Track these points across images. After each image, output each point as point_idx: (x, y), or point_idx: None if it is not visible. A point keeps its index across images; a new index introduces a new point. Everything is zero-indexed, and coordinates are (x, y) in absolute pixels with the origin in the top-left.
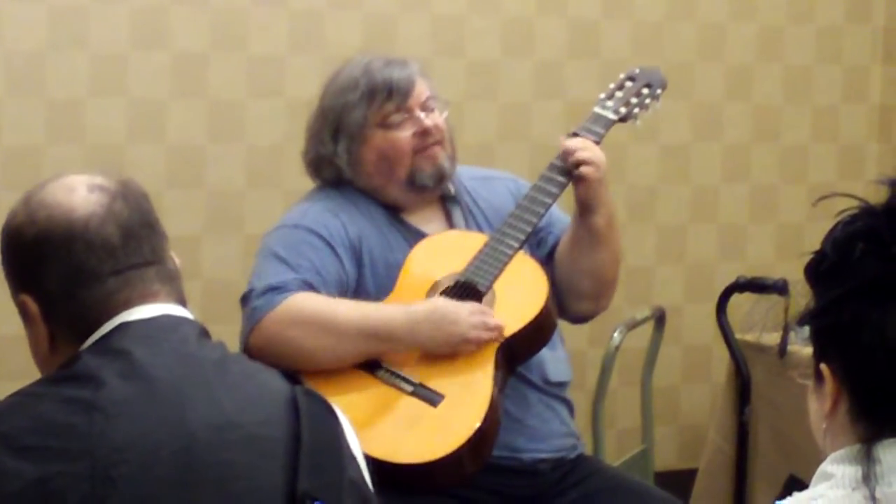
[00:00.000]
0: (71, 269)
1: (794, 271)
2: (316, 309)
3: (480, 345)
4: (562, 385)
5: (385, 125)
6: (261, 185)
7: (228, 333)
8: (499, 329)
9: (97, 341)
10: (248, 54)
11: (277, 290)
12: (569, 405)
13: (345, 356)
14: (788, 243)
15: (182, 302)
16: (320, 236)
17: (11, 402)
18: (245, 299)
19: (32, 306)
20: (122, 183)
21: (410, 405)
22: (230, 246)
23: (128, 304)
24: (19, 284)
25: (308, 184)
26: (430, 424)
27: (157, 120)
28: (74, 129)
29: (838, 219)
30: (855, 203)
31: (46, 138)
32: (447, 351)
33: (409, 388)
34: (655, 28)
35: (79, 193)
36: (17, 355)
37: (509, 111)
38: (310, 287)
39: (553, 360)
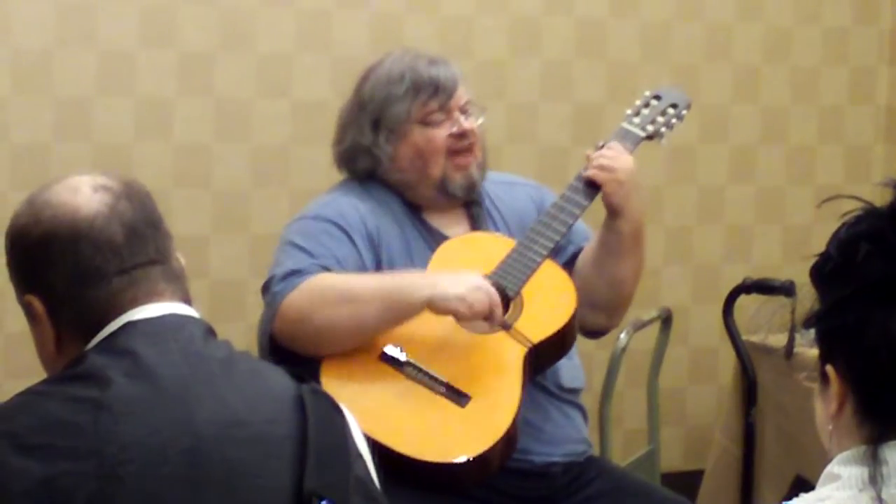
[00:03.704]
0: (76, 269)
1: (800, 273)
2: (333, 282)
3: (479, 311)
4: (575, 391)
5: (425, 122)
6: (267, 184)
7: (235, 332)
8: (501, 323)
9: (103, 340)
10: (256, 54)
11: (296, 273)
12: (583, 412)
13: (366, 321)
14: (795, 244)
15: (188, 301)
16: (339, 226)
17: (18, 401)
18: (266, 287)
19: (38, 306)
20: (126, 183)
21: (437, 404)
22: (237, 245)
23: (133, 303)
24: (25, 285)
25: (315, 183)
26: (457, 424)
27: (164, 118)
28: (82, 127)
29: (842, 220)
30: (859, 204)
31: (54, 136)
32: (454, 306)
33: (437, 387)
34: (663, 28)
35: (83, 193)
36: (23, 353)
37: (517, 111)
38: (327, 271)
39: (568, 367)
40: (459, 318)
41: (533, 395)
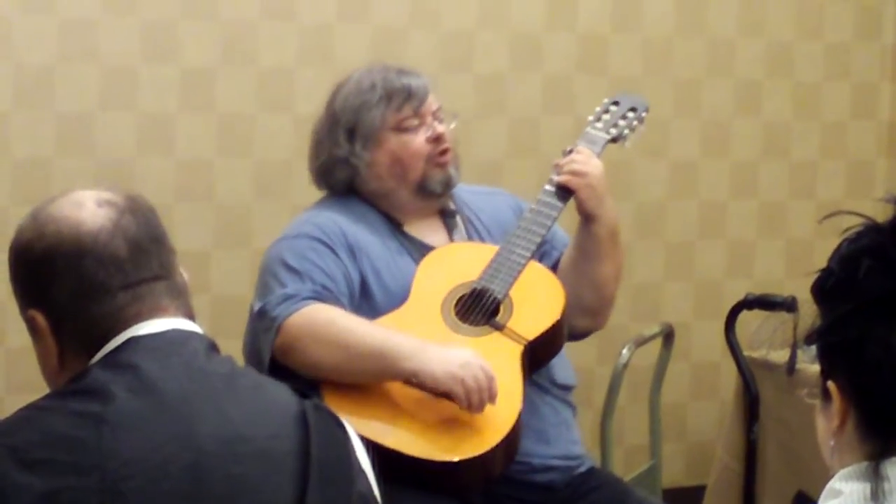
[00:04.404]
0: (80, 284)
1: (802, 288)
2: (331, 321)
3: (472, 388)
4: (568, 388)
5: (400, 129)
6: (269, 198)
7: (237, 348)
8: (492, 398)
9: (106, 356)
10: (257, 68)
11: (293, 298)
12: (573, 410)
13: (351, 373)
14: (797, 260)
15: (191, 316)
16: (321, 241)
17: (21, 416)
18: (261, 313)
19: (41, 321)
20: (129, 198)
21: (439, 404)
22: (239, 260)
23: (137, 319)
24: (28, 300)
25: (317, 197)
26: (462, 423)
27: (166, 133)
28: (84, 142)
29: (844, 236)
30: (861, 220)
31: (56, 151)
32: (444, 382)
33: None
34: (664, 43)
35: (87, 208)
36: (26, 368)
37: (518, 126)
38: (325, 290)
39: (560, 363)
40: (454, 398)
41: (528, 394)
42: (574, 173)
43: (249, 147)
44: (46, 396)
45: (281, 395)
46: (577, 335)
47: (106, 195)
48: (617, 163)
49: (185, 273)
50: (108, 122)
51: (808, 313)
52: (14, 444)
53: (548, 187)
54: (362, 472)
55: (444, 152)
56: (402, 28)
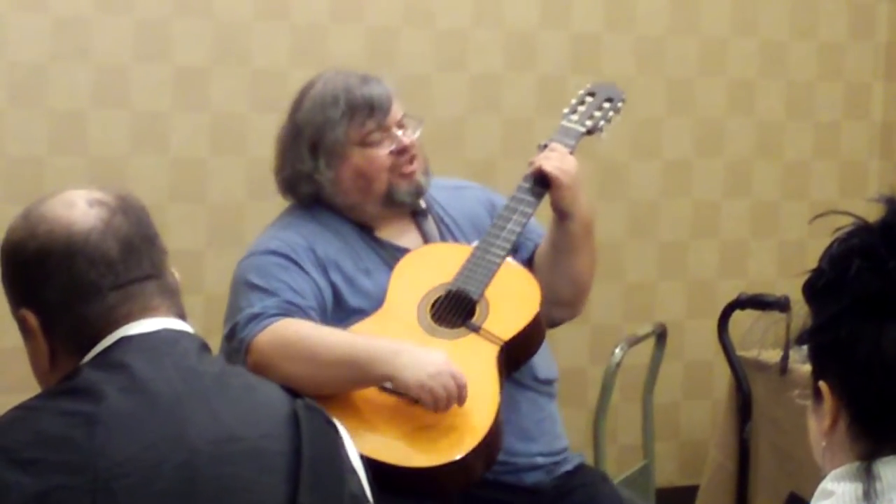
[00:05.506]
0: (72, 284)
1: (795, 288)
2: (299, 335)
3: (440, 399)
4: (550, 382)
5: (364, 143)
6: (263, 198)
7: None
8: (461, 404)
9: (97, 355)
10: (251, 68)
11: (260, 316)
12: (555, 402)
13: (325, 385)
14: (790, 260)
15: (182, 316)
16: (287, 257)
17: (11, 416)
18: (231, 334)
19: (33, 321)
20: (121, 197)
21: (415, 411)
22: (232, 259)
23: (128, 318)
24: (19, 299)
25: None
26: (439, 428)
27: (159, 133)
28: (76, 141)
29: (835, 236)
30: (852, 220)
31: (48, 150)
32: (414, 391)
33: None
34: (657, 43)
35: (78, 208)
36: (17, 368)
37: (511, 126)
38: (291, 305)
39: (540, 358)
40: (422, 404)
41: (509, 391)
42: (561, 171)
43: (242, 146)
44: (38, 396)
45: (272, 394)
46: (555, 324)
47: (97, 195)
48: (610, 162)
49: (176, 273)
50: (100, 121)
51: (801, 313)
52: (5, 445)
53: (523, 183)
54: (354, 471)
55: (409, 162)
56: (396, 27)
